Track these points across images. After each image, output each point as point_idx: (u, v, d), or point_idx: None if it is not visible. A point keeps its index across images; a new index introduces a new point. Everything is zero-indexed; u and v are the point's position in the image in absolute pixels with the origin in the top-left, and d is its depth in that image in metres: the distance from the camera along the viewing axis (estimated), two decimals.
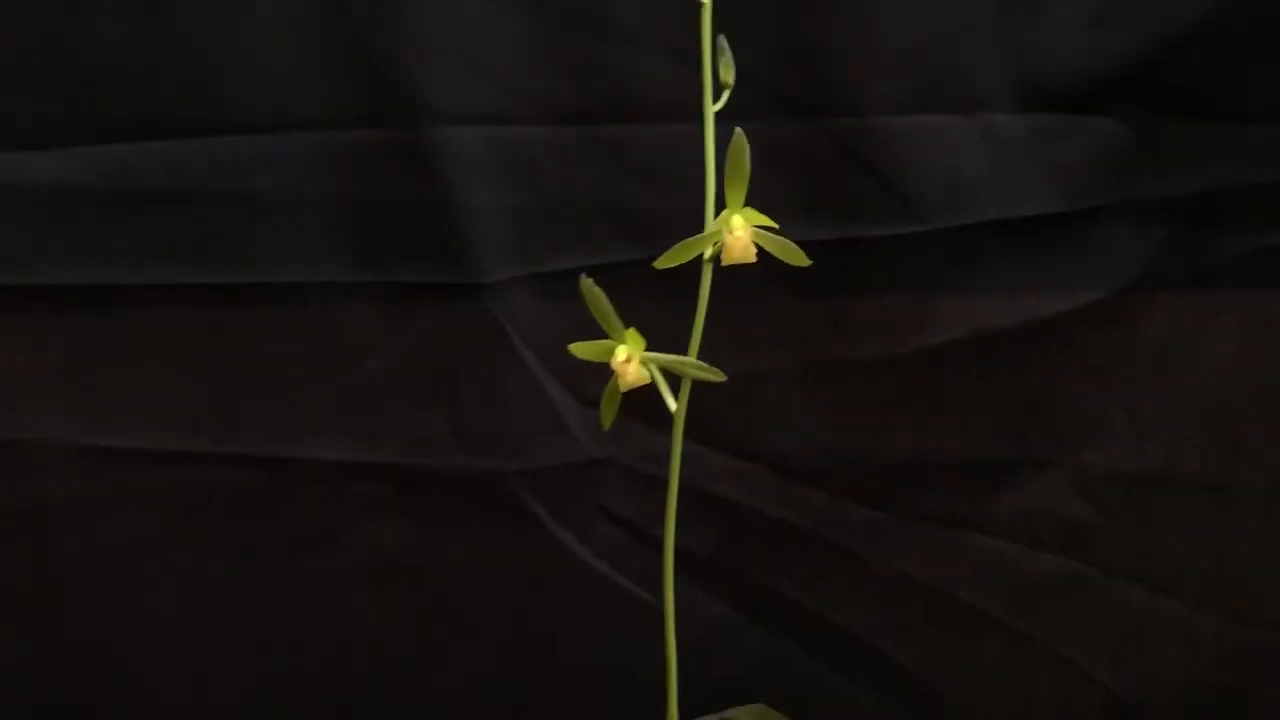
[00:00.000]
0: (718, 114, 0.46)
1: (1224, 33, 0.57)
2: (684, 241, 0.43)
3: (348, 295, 0.57)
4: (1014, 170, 0.59)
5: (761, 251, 0.55)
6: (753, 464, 0.63)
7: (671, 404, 0.45)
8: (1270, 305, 0.60)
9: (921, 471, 0.63)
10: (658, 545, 0.62)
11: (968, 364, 0.62)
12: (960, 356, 0.61)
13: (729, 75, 0.44)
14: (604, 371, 0.46)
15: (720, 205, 0.43)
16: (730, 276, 0.56)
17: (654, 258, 0.44)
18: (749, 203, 0.45)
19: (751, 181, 0.55)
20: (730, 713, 0.58)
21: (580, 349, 0.44)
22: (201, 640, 0.61)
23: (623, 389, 0.44)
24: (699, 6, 0.43)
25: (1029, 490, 0.64)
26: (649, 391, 0.54)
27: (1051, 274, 0.60)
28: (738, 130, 0.41)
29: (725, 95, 0.44)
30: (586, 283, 0.42)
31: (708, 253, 0.44)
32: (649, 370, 0.44)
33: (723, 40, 0.44)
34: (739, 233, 0.42)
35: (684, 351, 0.45)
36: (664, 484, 0.61)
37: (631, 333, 0.43)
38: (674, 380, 0.46)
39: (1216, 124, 0.58)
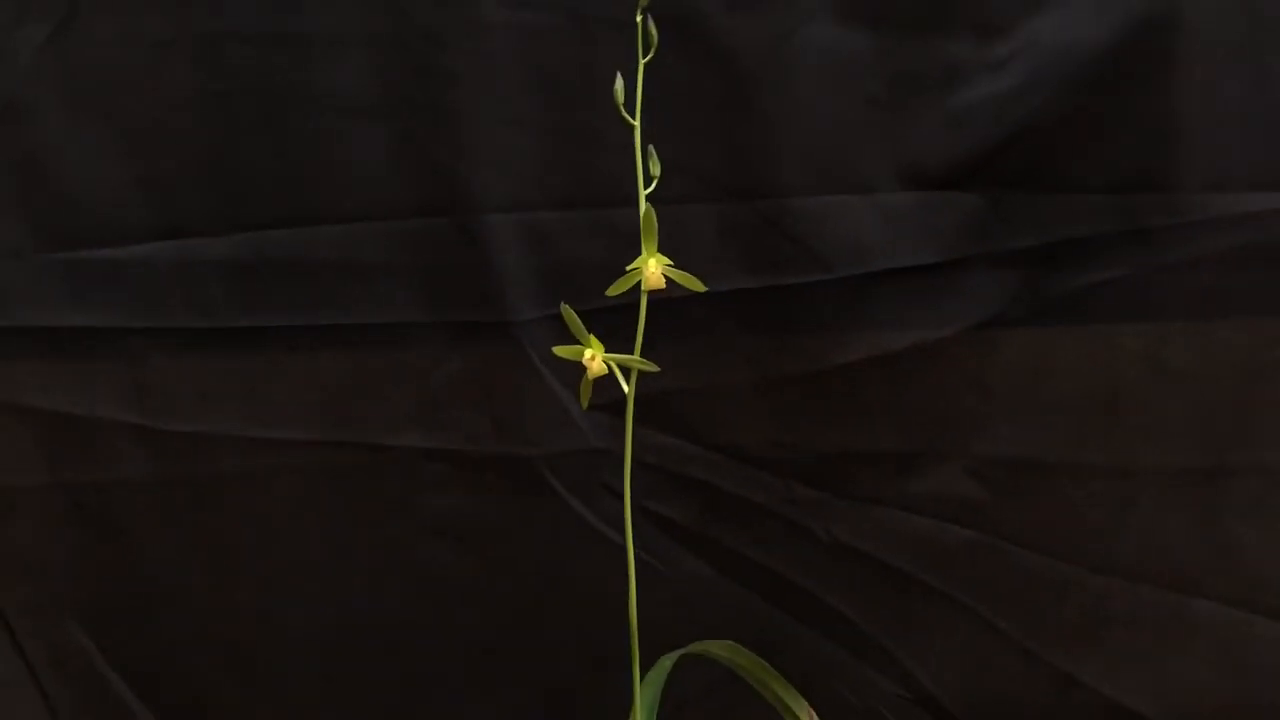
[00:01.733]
0: (663, 196, 0.66)
1: (1052, 129, 0.75)
2: (623, 277, 0.59)
3: (421, 331, 0.78)
4: (900, 233, 0.77)
5: (723, 301, 0.75)
6: (717, 453, 0.81)
7: (625, 387, 0.61)
8: (1101, 325, 0.78)
9: (848, 460, 0.81)
10: (648, 513, 0.83)
11: (876, 378, 0.79)
12: (870, 373, 0.79)
13: (656, 169, 0.61)
14: (599, 386, 0.61)
15: None
16: (698, 316, 0.77)
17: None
18: (700, 259, 0.63)
19: (703, 244, 0.77)
20: (704, 645, 0.69)
21: (562, 350, 0.60)
22: (319, 579, 0.82)
23: (590, 378, 0.60)
24: (632, 128, 0.60)
25: (932, 475, 0.81)
26: (635, 400, 0.74)
27: (933, 309, 0.78)
28: (646, 206, 0.58)
29: (654, 184, 0.60)
30: (566, 309, 0.60)
31: (643, 284, 0.60)
32: (608, 365, 0.60)
33: (651, 148, 0.60)
34: (649, 269, 0.59)
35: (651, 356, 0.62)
36: (653, 468, 0.82)
37: (594, 340, 0.60)
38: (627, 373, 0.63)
39: (1050, 194, 0.76)
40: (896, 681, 0.83)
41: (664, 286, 0.59)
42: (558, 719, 0.83)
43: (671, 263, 0.60)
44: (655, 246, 0.59)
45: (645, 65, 0.60)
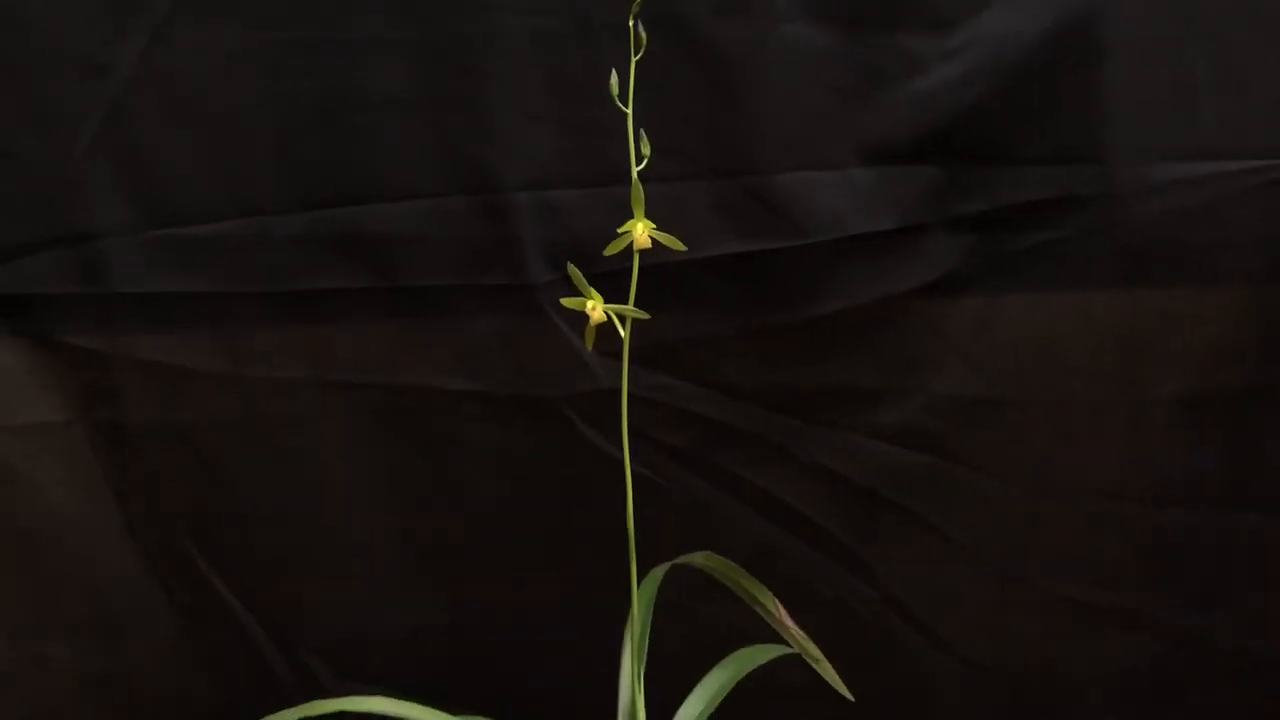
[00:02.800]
0: (661, 175, 0.77)
1: (997, 110, 0.86)
2: (617, 239, 0.68)
3: (457, 293, 0.90)
4: (866, 203, 0.88)
5: (715, 264, 0.87)
6: (712, 390, 0.93)
7: (622, 333, 0.70)
8: (1040, 280, 0.89)
9: (824, 395, 0.93)
10: (654, 441, 0.95)
11: (847, 327, 0.91)
12: (842, 322, 0.90)
13: (646, 150, 0.68)
14: (610, 337, 0.69)
15: None
16: (695, 277, 0.89)
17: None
18: (695, 228, 0.79)
19: (696, 216, 0.89)
20: (688, 557, 0.77)
21: (568, 302, 0.68)
22: (377, 499, 0.95)
23: (593, 324, 0.68)
24: (621, 115, 0.66)
25: (896, 409, 0.93)
26: (642, 349, 0.87)
27: (896, 268, 0.89)
28: (636, 180, 0.66)
29: (645, 162, 0.67)
30: (572, 269, 0.67)
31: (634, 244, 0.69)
32: (607, 314, 0.68)
33: (642, 130, 0.67)
34: (638, 232, 0.67)
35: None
36: (659, 404, 0.95)
37: (594, 293, 0.68)
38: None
39: (996, 166, 0.87)
40: (864, 581, 0.96)
41: (650, 246, 0.68)
42: (576, 614, 0.95)
43: (655, 226, 0.68)
44: (643, 213, 0.68)
45: (641, 62, 0.68)
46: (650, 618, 0.78)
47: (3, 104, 0.87)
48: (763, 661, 0.81)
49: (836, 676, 0.76)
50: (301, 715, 0.71)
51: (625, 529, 0.74)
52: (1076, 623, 0.95)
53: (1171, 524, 0.93)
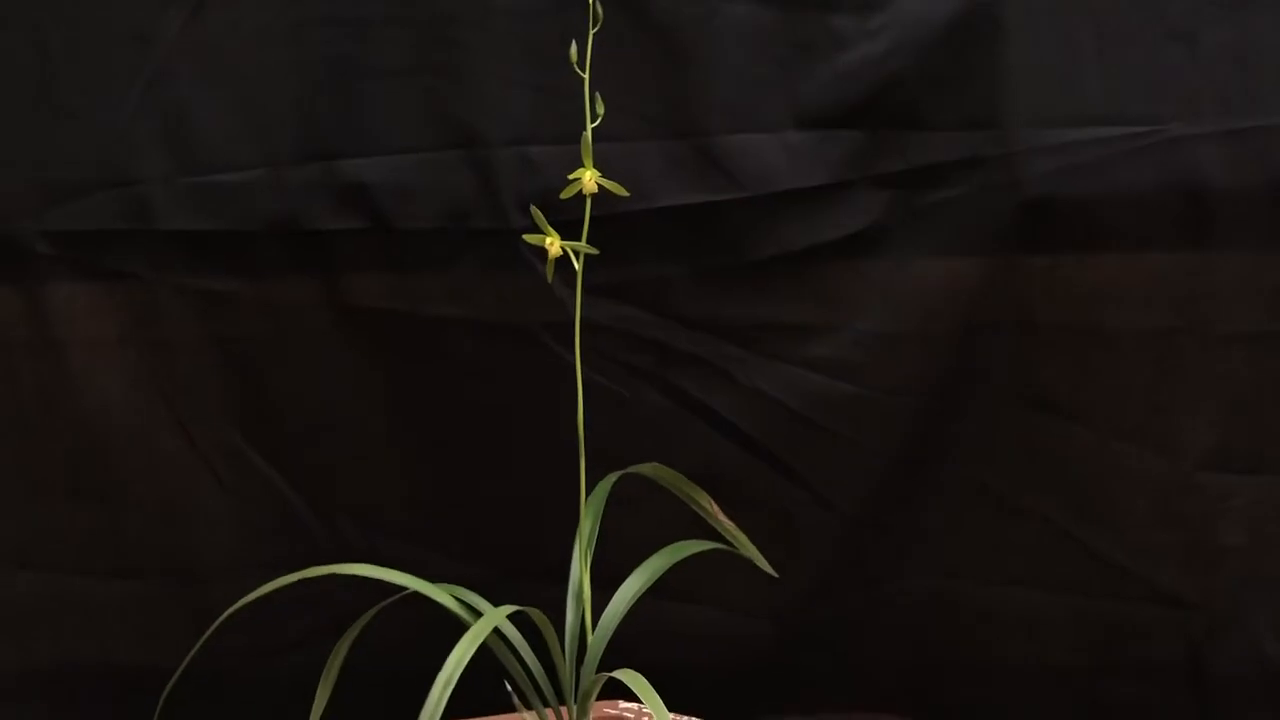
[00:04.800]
0: (619, 134, 0.91)
1: (913, 81, 0.99)
2: (569, 185, 0.77)
3: (447, 234, 1.03)
4: (799, 162, 1.00)
5: (667, 214, 1.00)
6: (667, 319, 1.04)
7: (576, 265, 0.79)
8: (946, 230, 1.01)
9: (762, 328, 1.04)
10: (618, 360, 1.07)
11: (782, 269, 1.02)
12: (778, 265, 1.03)
13: (600, 110, 0.77)
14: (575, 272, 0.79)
15: None
16: (649, 225, 1.02)
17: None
18: (649, 181, 0.93)
19: (650, 170, 1.01)
20: (636, 468, 0.85)
21: (530, 238, 0.77)
22: (386, 405, 1.09)
23: (552, 258, 0.78)
24: (582, 80, 0.77)
25: (824, 342, 1.04)
26: (607, 284, 1.01)
27: (825, 219, 1.02)
28: (585, 135, 0.75)
29: (599, 119, 0.77)
30: (534, 210, 0.76)
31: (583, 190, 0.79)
32: (563, 249, 0.78)
33: (597, 93, 0.77)
34: (586, 179, 0.77)
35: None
36: (621, 331, 1.06)
37: (553, 231, 0.77)
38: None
39: (912, 131, 1.00)
40: (798, 487, 1.08)
41: (596, 191, 0.78)
42: (548, 498, 0.99)
43: (601, 175, 0.77)
44: (591, 163, 0.78)
45: (601, 35, 0.78)
46: (600, 515, 0.88)
47: (66, 69, 1.04)
48: (696, 551, 0.90)
49: (762, 558, 0.88)
50: (300, 578, 0.83)
51: (591, 434, 0.83)
52: (974, 504, 1.08)
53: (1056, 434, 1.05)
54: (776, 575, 0.88)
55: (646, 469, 0.87)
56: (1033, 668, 1.10)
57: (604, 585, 0.87)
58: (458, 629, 0.76)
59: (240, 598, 0.82)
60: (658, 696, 0.71)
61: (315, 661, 0.86)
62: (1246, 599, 1.05)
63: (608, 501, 0.88)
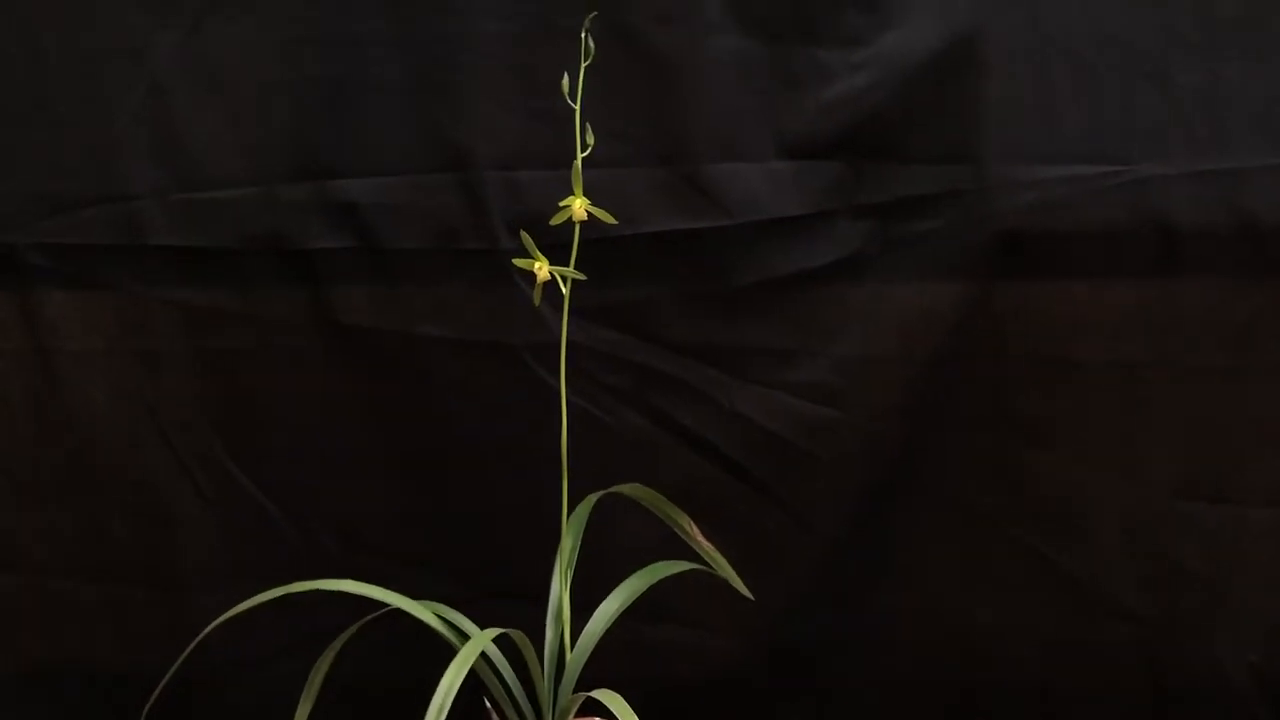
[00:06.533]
0: (608, 161, 0.93)
1: (894, 115, 1.01)
2: (559, 211, 0.81)
3: (435, 254, 1.05)
4: (783, 191, 1.03)
5: (653, 239, 1.02)
6: (651, 343, 1.07)
7: (564, 289, 0.83)
8: (925, 261, 1.04)
9: (744, 353, 1.07)
10: (601, 384, 1.08)
11: (765, 295, 1.05)
12: (761, 291, 1.05)
13: (590, 139, 0.81)
14: (561, 296, 0.83)
15: None
16: (637, 250, 1.03)
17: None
18: (636, 208, 0.95)
19: (638, 197, 1.03)
20: (618, 488, 0.87)
21: (519, 262, 0.82)
22: (367, 420, 1.10)
23: (540, 282, 0.82)
24: (574, 111, 0.81)
25: (805, 367, 1.06)
26: (592, 308, 1.02)
27: (807, 247, 1.04)
28: (575, 164, 0.80)
29: (589, 149, 0.81)
30: (524, 235, 0.80)
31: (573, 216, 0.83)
32: (551, 273, 0.82)
33: (587, 123, 0.81)
34: (575, 205, 0.81)
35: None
36: (604, 355, 1.08)
37: (541, 256, 0.81)
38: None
39: (893, 163, 1.02)
40: (776, 508, 1.10)
41: (586, 218, 0.82)
42: (529, 517, 1.02)
43: (590, 203, 0.82)
44: (581, 190, 0.82)
45: (594, 65, 0.82)
46: (581, 535, 0.90)
47: (63, 84, 1.05)
48: (675, 572, 0.93)
49: (740, 580, 0.90)
50: (285, 592, 0.85)
51: (573, 459, 0.87)
52: (948, 527, 1.10)
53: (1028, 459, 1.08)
54: (753, 598, 0.90)
55: (628, 489, 0.88)
56: (1008, 686, 1.12)
57: (580, 605, 0.89)
58: (437, 644, 0.77)
59: (220, 607, 0.84)
60: (635, 716, 0.73)
61: (295, 673, 0.88)
62: (1208, 621, 1.08)
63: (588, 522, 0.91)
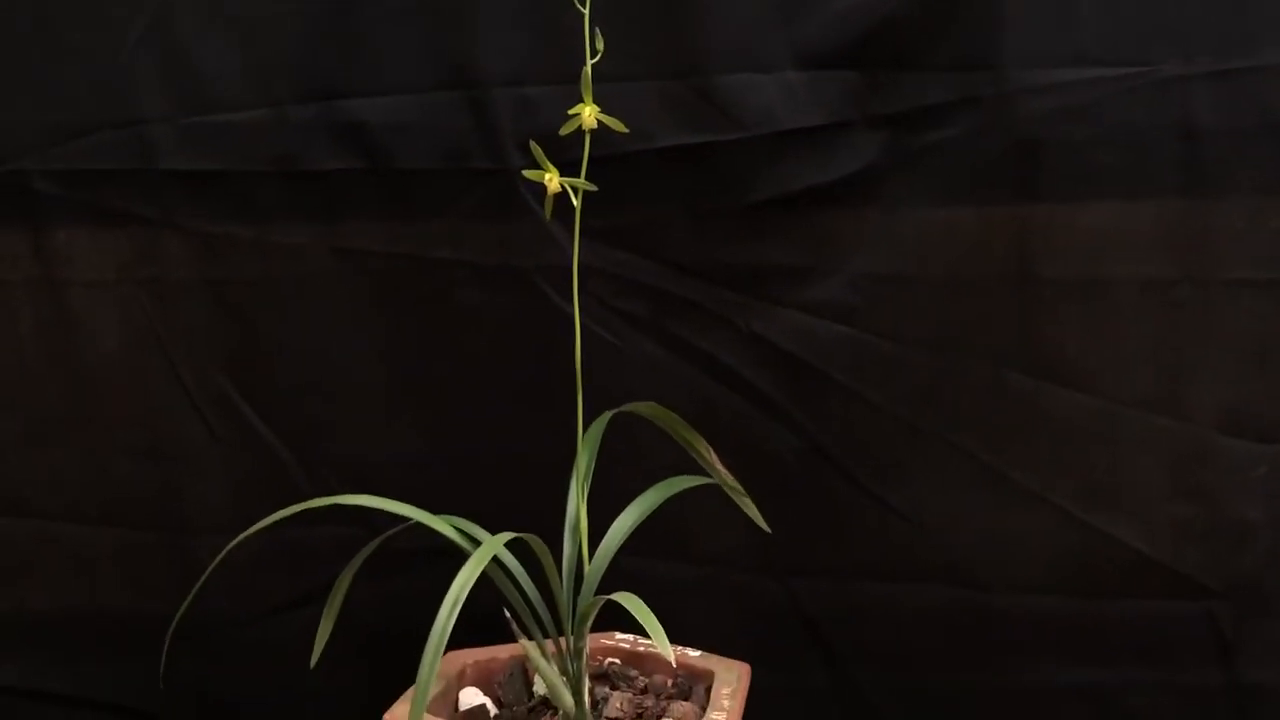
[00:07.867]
0: (618, 74, 0.91)
1: (909, 23, 0.99)
2: (569, 120, 0.80)
3: (447, 174, 1.05)
4: (797, 103, 1.01)
5: (665, 154, 1.00)
6: (663, 265, 1.06)
7: (575, 203, 0.82)
8: (941, 172, 1.02)
9: (760, 272, 1.05)
10: (613, 308, 1.08)
11: (779, 212, 1.03)
12: (775, 208, 1.03)
13: (600, 45, 0.79)
14: (572, 213, 0.82)
15: None
16: (648, 166, 1.02)
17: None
18: (648, 121, 0.94)
19: (650, 111, 1.02)
20: (633, 406, 0.86)
21: (529, 173, 0.80)
22: (381, 348, 1.10)
23: (551, 194, 0.80)
24: (581, 18, 0.79)
25: (821, 285, 1.05)
26: (603, 229, 1.01)
27: (822, 160, 1.02)
28: (585, 70, 0.78)
29: (598, 55, 0.79)
30: (533, 144, 0.78)
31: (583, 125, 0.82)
32: (561, 185, 0.80)
33: (596, 28, 0.79)
34: (585, 114, 0.80)
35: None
36: (617, 276, 1.07)
37: (551, 166, 0.80)
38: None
39: (908, 72, 1.00)
40: (793, 433, 1.09)
41: (595, 127, 0.81)
42: (544, 443, 1.02)
43: (600, 110, 0.80)
44: (591, 98, 0.81)
45: None
46: (596, 451, 0.89)
47: (70, 12, 1.05)
48: (689, 487, 0.92)
49: (755, 510, 0.91)
50: (304, 508, 0.84)
51: (587, 374, 0.86)
52: (974, 473, 1.07)
53: (1055, 400, 1.05)
54: (770, 530, 0.90)
55: (643, 408, 0.87)
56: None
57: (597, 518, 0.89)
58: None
59: (226, 546, 0.83)
60: (655, 618, 0.72)
61: (307, 615, 0.89)
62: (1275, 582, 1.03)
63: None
